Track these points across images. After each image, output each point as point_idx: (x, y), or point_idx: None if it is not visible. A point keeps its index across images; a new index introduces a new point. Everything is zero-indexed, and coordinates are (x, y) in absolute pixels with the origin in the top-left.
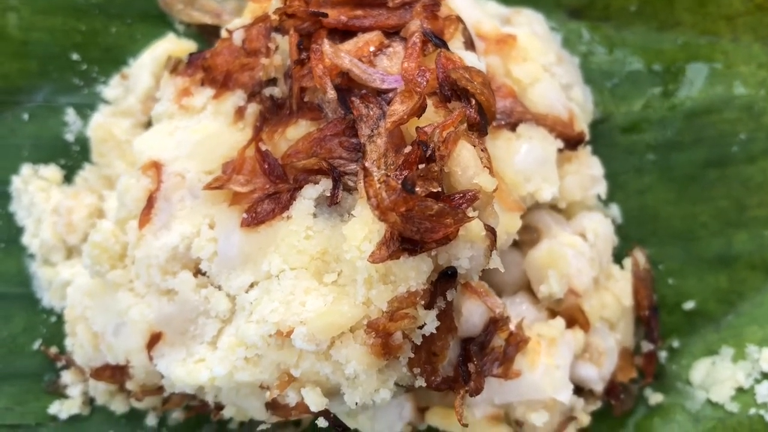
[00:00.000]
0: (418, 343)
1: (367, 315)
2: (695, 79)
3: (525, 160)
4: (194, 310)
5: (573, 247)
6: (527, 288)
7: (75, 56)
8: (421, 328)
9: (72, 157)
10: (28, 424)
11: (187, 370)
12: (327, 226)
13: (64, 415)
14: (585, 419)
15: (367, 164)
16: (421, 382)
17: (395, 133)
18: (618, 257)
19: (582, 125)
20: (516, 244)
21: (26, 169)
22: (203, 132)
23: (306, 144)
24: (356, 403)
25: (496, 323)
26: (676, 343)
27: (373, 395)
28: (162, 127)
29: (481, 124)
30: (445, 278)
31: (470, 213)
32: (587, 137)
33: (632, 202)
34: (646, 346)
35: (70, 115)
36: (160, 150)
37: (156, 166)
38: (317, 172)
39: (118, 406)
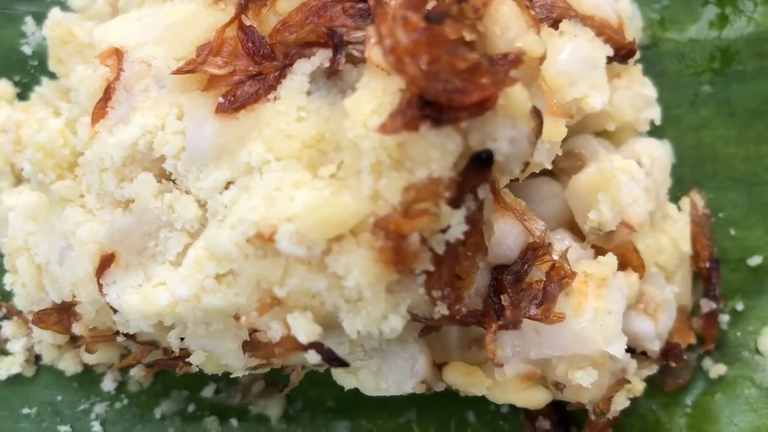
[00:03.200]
0: (440, 253)
1: (374, 212)
2: (759, 2)
3: (570, 60)
4: (155, 221)
5: (627, 173)
6: (569, 224)
7: None
8: (444, 232)
9: (29, 73)
10: None
11: (143, 295)
12: (324, 104)
13: (2, 375)
14: (638, 385)
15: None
16: (442, 310)
17: None
18: (672, 201)
19: (633, 36)
20: (553, 174)
21: None
22: (176, 15)
23: (300, 15)
24: (358, 332)
25: (535, 250)
26: (740, 306)
27: (380, 322)
28: (129, 16)
29: None
30: (478, 165)
31: (515, 74)
32: (638, 51)
33: (687, 140)
34: (707, 306)
35: (29, 25)
36: (123, 37)
37: (117, 54)
38: (313, 45)
39: (68, 365)
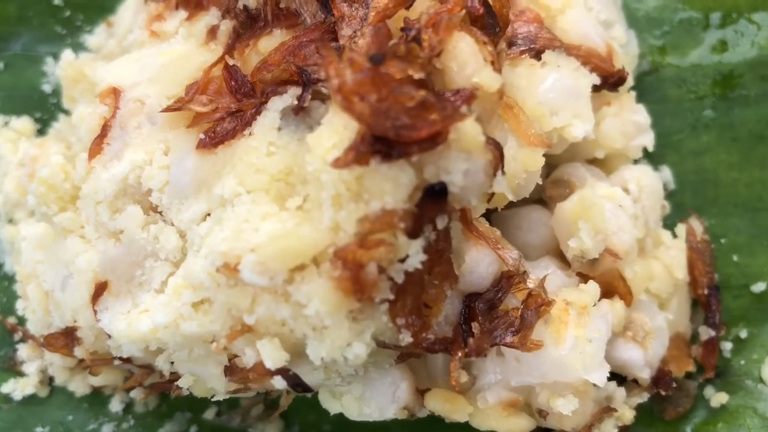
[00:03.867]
0: (400, 282)
1: (334, 243)
2: (763, 25)
3: (551, 90)
4: (141, 251)
5: (612, 200)
6: (557, 252)
7: (57, 1)
8: (402, 261)
9: (48, 110)
10: None
11: (128, 321)
12: (293, 139)
13: (18, 395)
14: (627, 414)
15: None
16: (406, 338)
17: (382, 32)
18: (670, 228)
19: (623, 64)
20: (543, 203)
21: None
22: (171, 55)
23: (279, 54)
24: (322, 359)
25: (510, 279)
26: (743, 333)
27: (344, 350)
28: (130, 56)
29: (487, 22)
30: (433, 197)
31: (464, 111)
32: (630, 79)
33: (687, 165)
34: (706, 333)
35: (49, 65)
36: (122, 76)
37: (115, 93)
38: (287, 82)
39: (78, 387)
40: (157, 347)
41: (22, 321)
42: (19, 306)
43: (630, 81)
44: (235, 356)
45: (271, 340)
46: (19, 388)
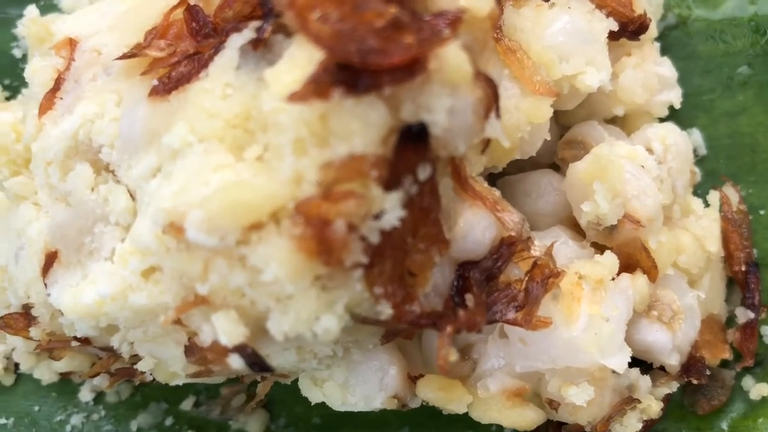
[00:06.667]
0: (375, 243)
1: (296, 196)
2: None
3: (561, 33)
4: (90, 215)
5: (632, 160)
6: (570, 221)
7: None
8: (377, 218)
9: (18, 76)
10: None
11: (73, 294)
12: (251, 79)
13: None
14: (654, 406)
15: None
16: (386, 310)
17: None
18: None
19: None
20: (558, 168)
21: None
22: (131, 2)
23: None
24: (285, 334)
25: (511, 246)
26: None
27: (311, 323)
28: (91, 7)
29: None
30: (411, 141)
31: (446, 33)
32: (654, 29)
33: (720, 128)
34: (744, 316)
35: (20, 28)
36: (79, 27)
37: (70, 43)
38: (250, 18)
39: (44, 374)
40: (108, 324)
41: None
42: None
43: (654, 31)
44: (195, 334)
45: (227, 312)
46: None
